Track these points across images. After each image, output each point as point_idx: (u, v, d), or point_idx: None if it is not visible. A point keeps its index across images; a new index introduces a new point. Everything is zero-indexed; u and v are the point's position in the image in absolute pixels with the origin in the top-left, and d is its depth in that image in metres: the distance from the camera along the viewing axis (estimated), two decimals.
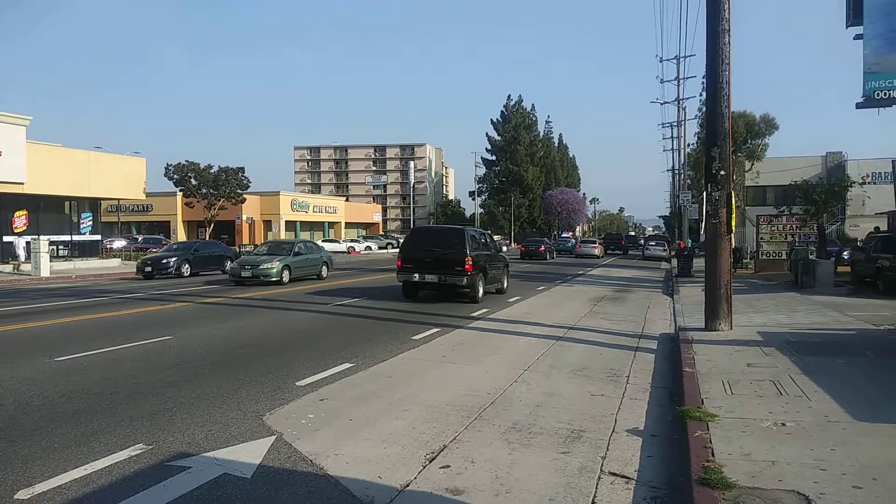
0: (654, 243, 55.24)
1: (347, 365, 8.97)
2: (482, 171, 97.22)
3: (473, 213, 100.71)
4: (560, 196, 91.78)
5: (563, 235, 67.36)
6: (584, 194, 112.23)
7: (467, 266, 16.70)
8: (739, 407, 6.55)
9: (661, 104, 50.78)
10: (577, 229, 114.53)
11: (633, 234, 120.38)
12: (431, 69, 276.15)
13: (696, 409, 6.32)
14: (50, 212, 32.28)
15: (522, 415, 6.66)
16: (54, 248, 30.63)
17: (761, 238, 28.19)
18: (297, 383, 7.89)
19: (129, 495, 4.57)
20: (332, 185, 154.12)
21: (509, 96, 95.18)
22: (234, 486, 4.78)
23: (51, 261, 27.66)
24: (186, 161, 35.86)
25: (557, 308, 16.58)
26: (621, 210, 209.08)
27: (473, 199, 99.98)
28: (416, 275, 17.19)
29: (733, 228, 11.81)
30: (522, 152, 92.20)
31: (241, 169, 37.36)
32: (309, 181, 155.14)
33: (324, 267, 25.60)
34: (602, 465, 5.31)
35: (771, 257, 27.77)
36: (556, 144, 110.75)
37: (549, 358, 9.76)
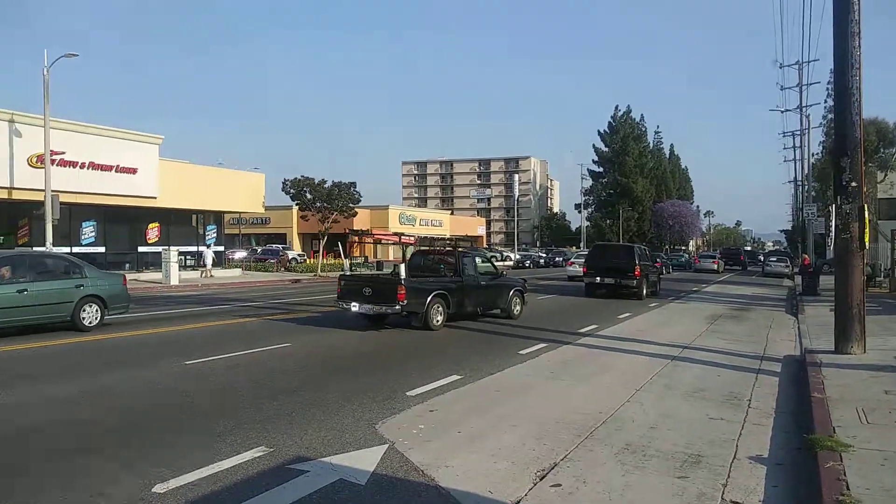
0: (775, 259, 52.27)
1: (456, 377, 9.04)
2: (588, 183, 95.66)
3: (580, 227, 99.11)
4: (671, 209, 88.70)
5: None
6: (697, 207, 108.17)
7: (636, 272, 22.91)
8: (877, 437, 6.05)
9: (782, 112, 47.93)
10: (691, 243, 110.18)
11: (748, 248, 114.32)
12: (537, 81, 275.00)
13: (827, 438, 5.89)
14: (178, 224, 34.67)
15: (636, 436, 6.45)
16: (182, 258, 32.89)
17: None
18: (408, 393, 8.03)
19: (253, 495, 4.80)
20: (438, 198, 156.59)
21: (617, 107, 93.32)
22: (349, 491, 4.93)
23: (179, 270, 29.73)
24: (302, 176, 37.38)
25: (671, 326, 15.98)
26: (738, 223, 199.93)
27: (580, 212, 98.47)
28: (598, 278, 23.74)
29: (866, 244, 10.97)
30: (631, 163, 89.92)
31: (353, 184, 38.53)
32: (416, 195, 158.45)
33: (88, 306, 13.27)
34: (723, 492, 5.04)
35: None
36: (667, 155, 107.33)
37: (664, 378, 9.42)
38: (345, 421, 6.81)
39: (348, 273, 15.76)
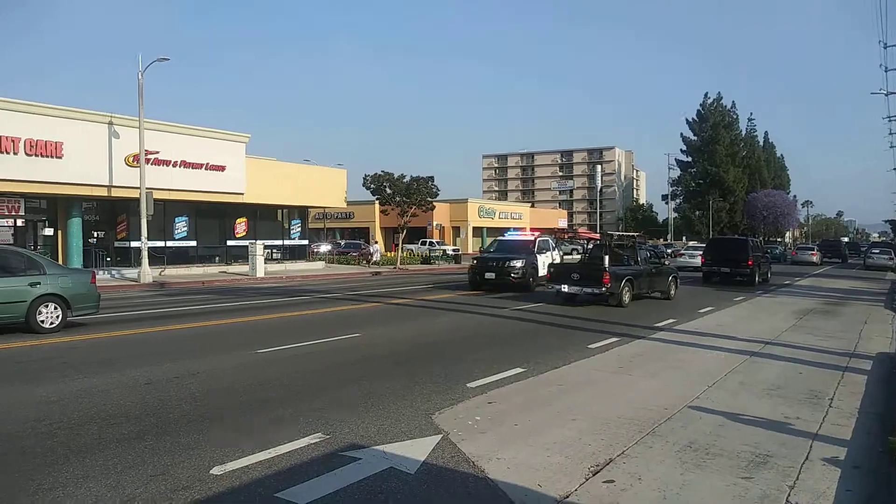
0: (877, 251, 48.91)
1: (519, 370, 8.95)
2: (676, 173, 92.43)
3: (667, 218, 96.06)
4: (766, 199, 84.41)
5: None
6: (794, 197, 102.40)
7: (749, 262, 25.99)
8: None
9: (886, 95, 44.51)
10: (787, 235, 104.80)
11: (845, 239, 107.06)
12: (621, 69, 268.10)
13: None
14: (265, 219, 35.94)
15: (701, 433, 6.18)
16: (269, 251, 34.08)
17: None
18: (468, 385, 8.02)
19: (304, 480, 4.91)
20: (519, 191, 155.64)
21: (706, 94, 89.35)
22: (398, 480, 4.96)
23: (265, 263, 30.83)
24: (382, 171, 37.89)
25: (754, 321, 15.23)
26: (839, 214, 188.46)
27: (667, 203, 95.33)
28: (715, 267, 27.01)
29: None
30: (722, 152, 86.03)
31: (431, 178, 38.69)
32: (496, 188, 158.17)
33: (45, 307, 12.16)
34: (789, 495, 4.75)
35: None
36: (761, 144, 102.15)
37: (740, 374, 8.98)
38: (402, 410, 6.86)
39: (556, 262, 20.83)
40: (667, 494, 4.73)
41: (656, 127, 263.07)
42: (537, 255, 23.38)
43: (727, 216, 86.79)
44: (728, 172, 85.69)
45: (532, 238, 25.32)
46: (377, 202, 42.37)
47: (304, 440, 5.82)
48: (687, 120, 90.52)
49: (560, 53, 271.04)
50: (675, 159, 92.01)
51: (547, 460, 5.42)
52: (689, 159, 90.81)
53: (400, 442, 5.82)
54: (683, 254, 39.82)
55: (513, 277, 21.71)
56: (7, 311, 11.69)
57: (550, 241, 26.00)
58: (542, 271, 22.63)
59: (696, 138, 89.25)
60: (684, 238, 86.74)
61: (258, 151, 43.06)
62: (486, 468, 5.22)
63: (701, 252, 31.83)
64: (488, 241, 72.24)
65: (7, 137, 23.13)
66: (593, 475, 5.10)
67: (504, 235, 29.64)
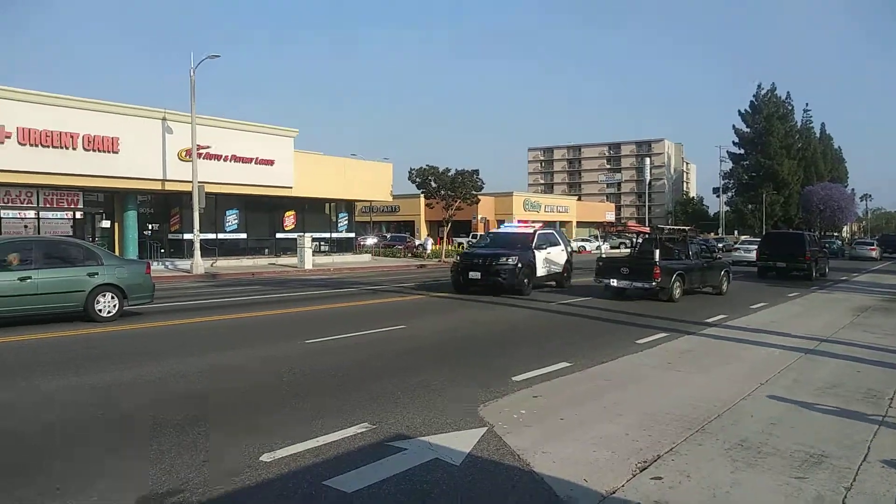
0: None
1: (565, 364, 8.89)
2: (728, 165, 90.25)
3: (718, 212, 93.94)
4: (822, 192, 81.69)
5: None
6: (852, 190, 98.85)
7: (807, 257, 25.91)
8: None
9: None
10: (845, 229, 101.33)
11: None
12: (672, 61, 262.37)
13: None
14: (312, 212, 36.47)
15: (753, 431, 6.03)
16: (316, 244, 34.59)
17: None
18: (513, 378, 8.00)
19: (351, 469, 4.97)
20: (565, 184, 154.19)
21: (760, 85, 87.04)
22: (443, 471, 4.98)
23: (313, 255, 31.32)
24: (427, 165, 38.02)
25: (810, 317, 14.79)
26: None
27: (718, 197, 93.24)
28: (771, 262, 26.98)
29: None
30: (776, 144, 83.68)
31: (476, 171, 38.62)
32: (542, 181, 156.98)
33: (103, 296, 12.55)
34: (845, 496, 4.60)
35: None
36: (818, 135, 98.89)
37: (793, 372, 8.73)
38: (447, 402, 6.89)
39: (604, 256, 20.36)
40: (716, 493, 4.64)
41: (707, 118, 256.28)
42: (535, 252, 19.54)
43: (781, 210, 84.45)
44: (782, 165, 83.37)
45: (531, 231, 21.06)
46: (422, 196, 42.58)
47: (351, 429, 5.90)
48: (739, 111, 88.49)
49: (607, 45, 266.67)
50: (727, 151, 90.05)
51: (593, 455, 5.37)
52: (742, 152, 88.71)
53: (445, 433, 5.85)
54: (738, 248, 41.22)
55: (502, 278, 18.11)
56: (67, 300, 12.17)
57: (556, 234, 22.53)
58: (542, 271, 19.77)
59: (749, 130, 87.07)
60: (736, 232, 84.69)
61: (304, 147, 43.76)
62: (531, 461, 5.20)
63: (756, 247, 31.77)
64: None
65: (67, 133, 24.05)
66: (640, 471, 5.04)
67: (500, 227, 26.86)
